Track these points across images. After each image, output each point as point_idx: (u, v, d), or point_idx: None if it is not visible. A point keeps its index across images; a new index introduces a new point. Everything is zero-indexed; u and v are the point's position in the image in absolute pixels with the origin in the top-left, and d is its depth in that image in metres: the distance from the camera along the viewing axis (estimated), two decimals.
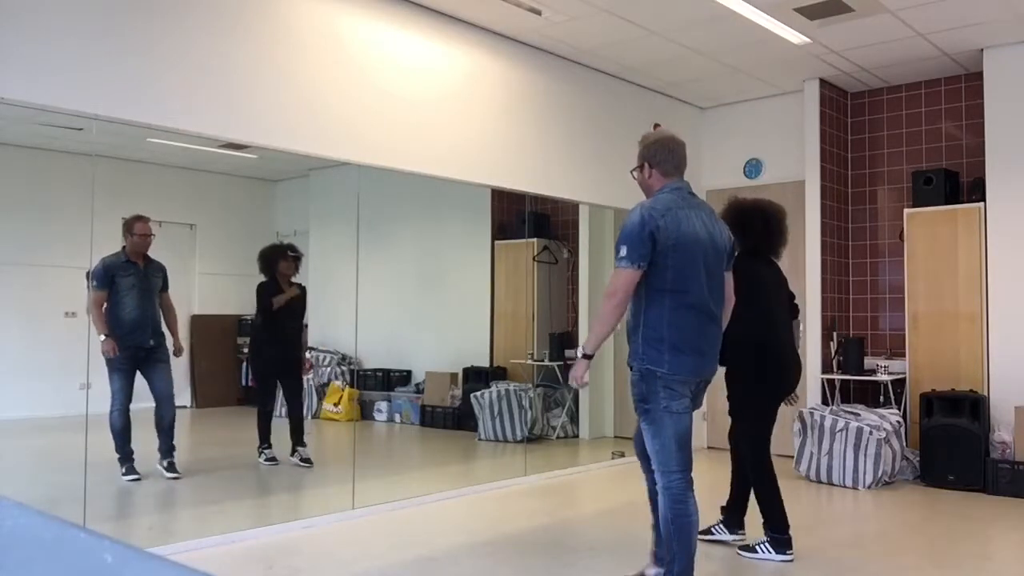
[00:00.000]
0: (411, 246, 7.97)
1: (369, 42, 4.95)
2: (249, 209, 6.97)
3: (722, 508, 4.28)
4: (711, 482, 4.88)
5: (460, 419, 7.39)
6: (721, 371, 3.85)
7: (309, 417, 7.29)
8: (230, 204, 6.80)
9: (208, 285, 6.61)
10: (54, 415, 5.12)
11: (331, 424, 7.34)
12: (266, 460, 5.75)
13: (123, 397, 5.05)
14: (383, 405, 7.73)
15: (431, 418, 7.55)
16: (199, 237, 6.53)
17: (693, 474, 3.18)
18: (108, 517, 4.54)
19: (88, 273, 5.04)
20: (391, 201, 7.05)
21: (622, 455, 6.71)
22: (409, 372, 7.84)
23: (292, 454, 5.81)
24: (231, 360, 6.70)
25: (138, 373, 5.17)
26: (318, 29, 4.69)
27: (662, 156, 3.26)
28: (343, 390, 7.40)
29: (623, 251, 3.02)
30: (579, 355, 3.14)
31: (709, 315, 3.15)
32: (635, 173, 3.35)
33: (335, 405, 7.40)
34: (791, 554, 3.92)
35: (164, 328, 5.36)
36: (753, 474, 4.02)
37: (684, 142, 3.36)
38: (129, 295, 5.18)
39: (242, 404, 6.88)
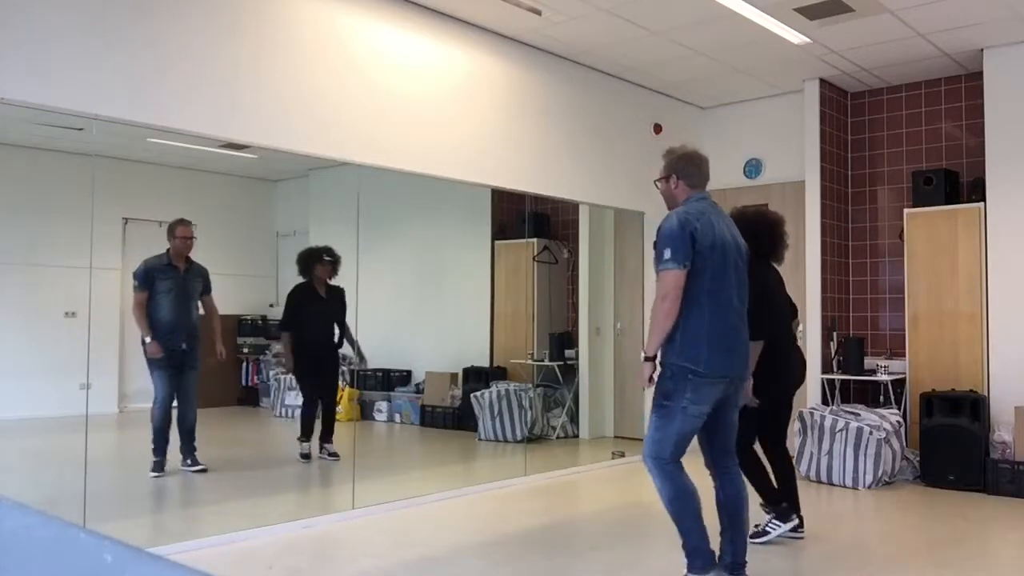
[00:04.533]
0: (411, 246, 7.96)
1: (369, 42, 4.95)
2: (249, 209, 6.97)
3: (762, 506, 4.33)
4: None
5: (460, 419, 7.39)
6: None
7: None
8: (230, 204, 6.80)
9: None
10: (54, 415, 5.12)
11: None
12: (301, 456, 5.97)
13: (165, 396, 5.20)
14: (383, 405, 7.73)
15: (431, 418, 7.54)
16: (199, 237, 6.53)
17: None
18: (108, 517, 4.53)
19: (133, 274, 5.25)
20: (391, 201, 7.05)
21: (622, 455, 6.71)
22: (409, 372, 7.84)
23: (320, 451, 6.04)
24: (231, 360, 6.70)
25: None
26: (318, 29, 4.69)
27: (690, 170, 3.45)
28: (343, 390, 7.40)
29: (667, 253, 3.20)
30: (642, 358, 3.33)
31: (738, 317, 3.37)
32: (659, 183, 3.55)
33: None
34: (799, 527, 4.25)
35: (199, 332, 5.50)
36: (742, 457, 4.10)
37: (707, 158, 3.56)
38: (166, 298, 5.29)
39: (242, 404, 6.88)
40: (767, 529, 4.20)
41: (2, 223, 5.66)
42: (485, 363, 7.58)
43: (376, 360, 7.71)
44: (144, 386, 5.30)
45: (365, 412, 7.71)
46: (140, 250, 5.83)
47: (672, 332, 3.25)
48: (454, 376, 7.59)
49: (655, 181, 3.60)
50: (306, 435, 5.98)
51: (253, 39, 4.38)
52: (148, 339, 5.19)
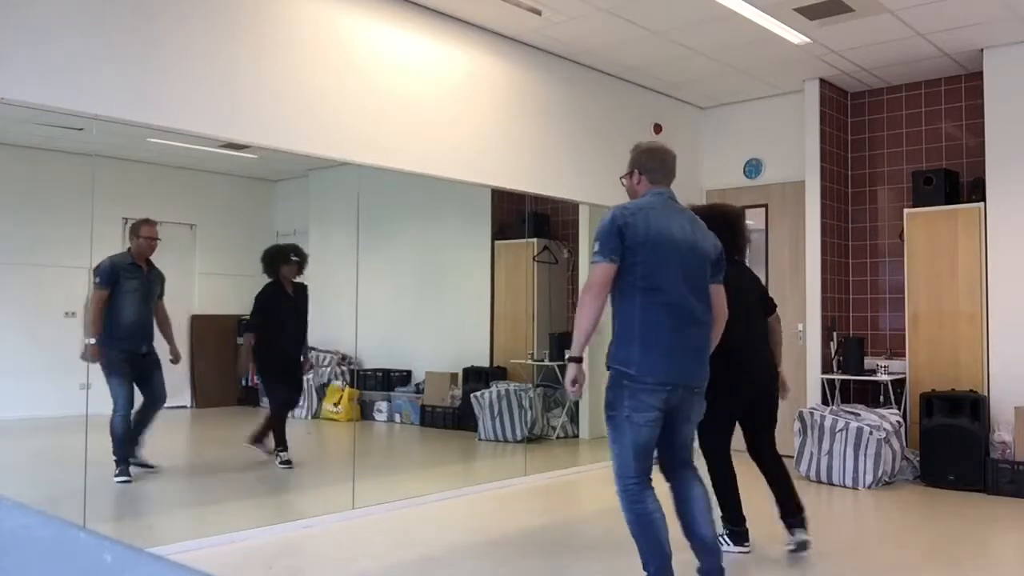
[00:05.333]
0: (411, 246, 7.96)
1: (369, 42, 4.95)
2: (249, 209, 6.97)
3: (721, 518, 4.10)
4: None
5: (460, 419, 7.39)
6: None
7: (308, 417, 7.29)
8: (230, 204, 6.80)
9: (208, 285, 6.61)
10: (54, 415, 5.12)
11: (331, 424, 7.34)
12: (281, 464, 5.70)
13: (124, 402, 4.96)
14: (383, 405, 7.73)
15: (431, 418, 7.54)
16: (199, 237, 6.53)
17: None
18: (108, 517, 4.54)
19: (94, 269, 4.94)
20: (391, 201, 7.05)
21: None
22: (409, 372, 7.84)
23: (256, 442, 5.79)
24: (231, 360, 6.69)
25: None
26: (318, 29, 4.69)
27: (653, 164, 3.31)
28: (343, 390, 7.40)
29: (596, 246, 3.09)
30: (567, 359, 3.13)
31: (690, 318, 3.10)
32: (624, 180, 3.42)
33: (335, 405, 7.40)
34: (748, 546, 4.05)
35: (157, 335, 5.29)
36: (713, 466, 4.04)
37: (675, 154, 3.40)
38: (131, 298, 5.10)
39: (242, 404, 6.87)
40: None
41: (2, 223, 5.66)
42: (485, 363, 7.58)
43: (376, 360, 7.70)
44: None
45: (365, 412, 7.71)
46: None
47: (611, 334, 3.13)
48: (454, 376, 7.59)
49: (620, 178, 3.44)
50: (280, 442, 5.71)
51: (253, 39, 4.38)
52: (93, 341, 4.92)
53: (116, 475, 4.96)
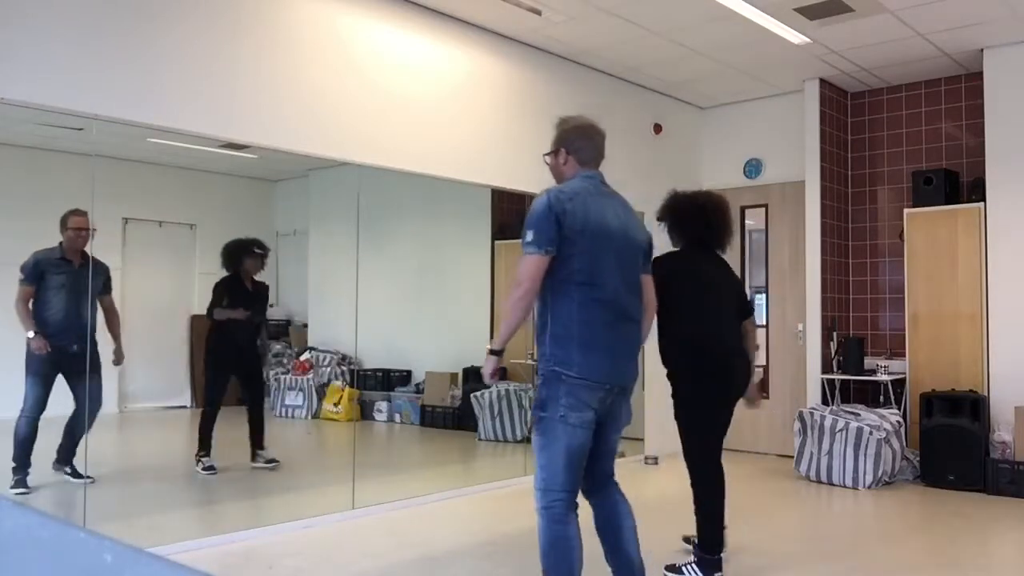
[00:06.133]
0: (411, 246, 7.96)
1: (369, 42, 4.95)
2: (249, 209, 6.97)
3: (689, 539, 3.89)
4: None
5: (460, 419, 7.39)
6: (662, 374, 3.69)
7: (308, 417, 7.29)
8: (230, 204, 6.79)
9: (208, 285, 6.58)
10: (54, 415, 5.11)
11: (331, 424, 7.33)
12: (204, 469, 5.38)
13: (34, 404, 4.57)
14: (383, 405, 7.73)
15: (431, 418, 7.54)
16: (199, 237, 6.52)
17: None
18: (108, 517, 4.53)
19: (20, 266, 4.67)
20: (391, 201, 7.05)
21: (622, 455, 6.70)
22: (409, 372, 7.83)
23: (253, 459, 5.58)
24: None
25: (61, 379, 4.70)
26: (318, 29, 4.69)
27: (581, 143, 3.00)
28: (343, 390, 7.39)
29: (529, 236, 2.76)
30: (487, 351, 2.86)
31: (624, 314, 2.89)
32: (548, 158, 3.09)
33: (335, 405, 7.40)
34: None
35: (98, 335, 4.87)
36: (695, 488, 3.69)
37: (604, 132, 3.09)
38: (57, 295, 4.73)
39: (242, 404, 6.87)
40: (682, 569, 3.66)
41: (2, 223, 5.66)
42: None
43: (376, 360, 7.70)
44: (146, 385, 5.24)
45: (365, 412, 7.71)
46: (140, 250, 5.84)
47: (540, 330, 2.85)
48: (454, 376, 7.59)
49: (544, 156, 3.10)
50: (204, 447, 5.34)
51: (253, 39, 4.38)
52: (32, 334, 4.57)
53: (12, 486, 4.44)
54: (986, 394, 5.77)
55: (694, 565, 3.64)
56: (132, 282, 5.55)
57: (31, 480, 4.50)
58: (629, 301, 2.91)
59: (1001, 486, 5.44)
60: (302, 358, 6.71)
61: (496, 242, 7.76)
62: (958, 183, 6.27)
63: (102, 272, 4.94)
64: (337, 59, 4.76)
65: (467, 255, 8.08)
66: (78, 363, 4.59)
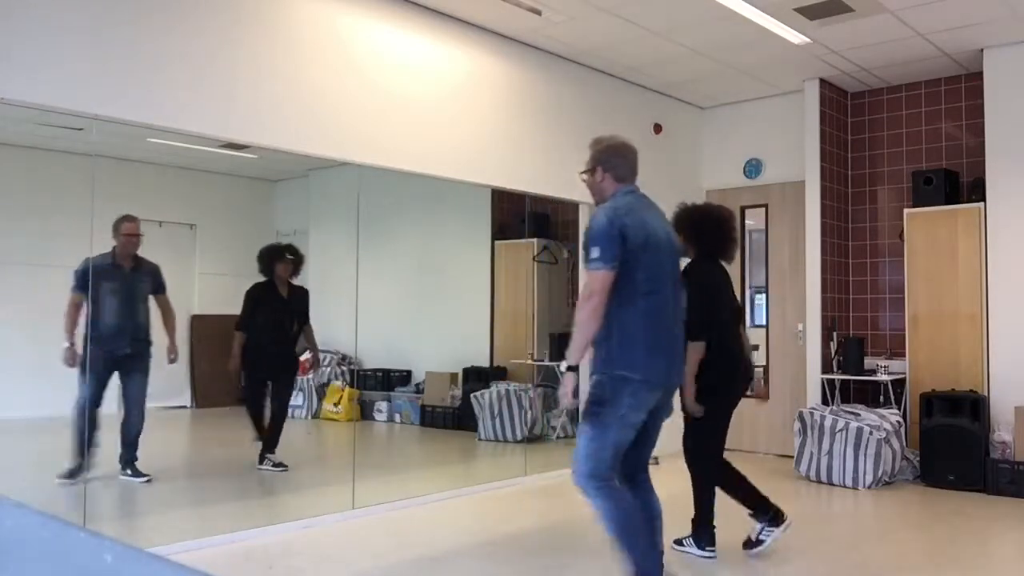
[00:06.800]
0: (411, 246, 7.96)
1: (369, 42, 4.95)
2: (249, 209, 6.97)
3: (751, 515, 4.11)
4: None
5: (460, 419, 7.39)
6: None
7: (308, 417, 7.29)
8: (230, 204, 6.80)
9: (208, 285, 6.60)
10: (54, 415, 5.12)
11: (331, 424, 7.34)
12: (273, 466, 5.60)
13: (88, 397, 4.78)
14: (383, 405, 7.73)
15: (431, 418, 7.54)
16: (199, 237, 6.53)
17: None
18: (108, 517, 4.54)
19: (73, 272, 4.86)
20: (391, 201, 7.05)
21: None
22: (409, 372, 7.84)
23: (261, 461, 5.63)
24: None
25: (116, 376, 4.95)
26: (318, 29, 4.69)
27: (616, 161, 3.27)
28: (343, 390, 7.40)
29: (595, 252, 2.98)
30: (563, 369, 3.03)
31: (673, 318, 3.16)
32: (584, 176, 3.33)
33: (335, 405, 7.40)
34: (712, 550, 3.97)
35: (152, 335, 5.15)
36: (705, 483, 3.97)
37: (636, 149, 3.36)
38: (109, 299, 4.97)
39: (242, 404, 6.87)
40: (761, 538, 3.99)
41: (2, 223, 5.66)
42: (485, 363, 7.58)
43: (376, 360, 7.70)
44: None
45: (365, 412, 7.71)
46: (140, 250, 5.83)
47: (604, 338, 3.03)
48: (454, 376, 7.59)
49: (580, 174, 3.35)
50: (268, 446, 5.58)
51: (253, 39, 4.38)
52: (67, 345, 4.78)
53: (62, 475, 4.57)
54: (986, 394, 5.77)
55: (768, 528, 3.98)
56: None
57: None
58: (677, 306, 3.20)
59: (1001, 486, 5.44)
60: (302, 358, 6.71)
61: (496, 242, 7.76)
62: (958, 183, 6.27)
63: (154, 272, 5.18)
64: (337, 59, 4.76)
65: (467, 255, 8.08)
66: (131, 364, 4.95)
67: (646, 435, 3.18)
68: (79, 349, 4.79)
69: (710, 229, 4.06)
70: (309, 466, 5.99)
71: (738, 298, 4.36)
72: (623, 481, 3.20)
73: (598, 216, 3.07)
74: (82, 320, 4.89)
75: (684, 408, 3.88)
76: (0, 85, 3.48)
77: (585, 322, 2.98)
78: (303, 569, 3.79)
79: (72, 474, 4.49)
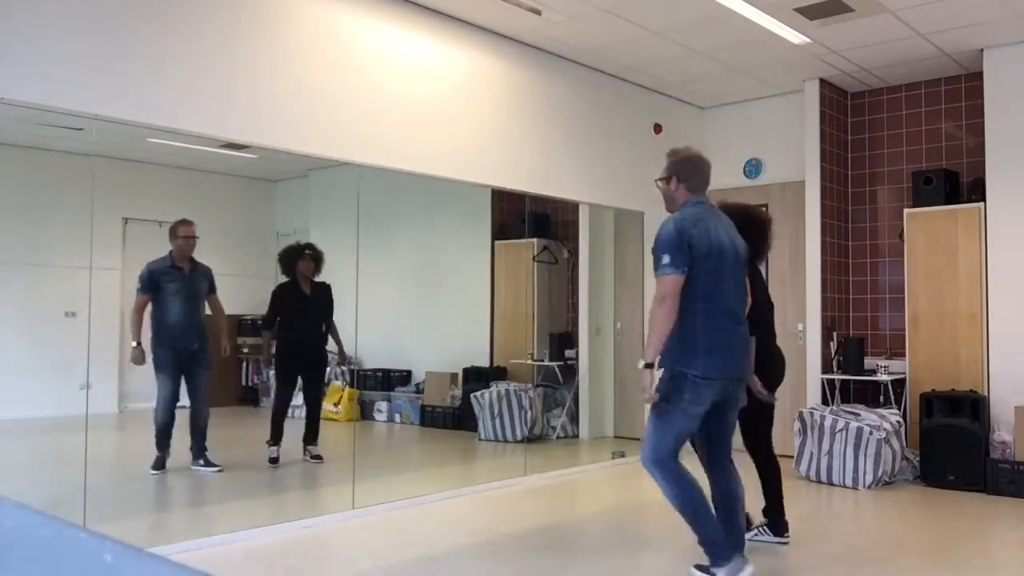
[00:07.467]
0: (411, 246, 7.96)
1: (369, 42, 4.95)
2: (249, 209, 6.97)
3: (764, 510, 4.32)
4: None
5: (460, 419, 7.39)
6: None
7: None
8: (230, 204, 6.79)
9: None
10: (54, 415, 5.12)
11: (331, 424, 7.33)
12: (269, 460, 5.77)
13: (167, 396, 5.22)
14: (383, 405, 7.73)
15: (431, 418, 7.54)
16: (199, 237, 6.52)
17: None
18: (108, 517, 4.53)
19: (139, 276, 5.27)
20: (391, 201, 7.05)
21: (622, 455, 6.71)
22: (409, 372, 7.84)
23: (304, 453, 5.90)
24: (232, 360, 6.69)
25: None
26: (318, 29, 4.69)
27: (691, 173, 3.49)
28: (343, 390, 7.40)
29: (666, 259, 3.25)
30: (641, 366, 3.29)
31: (736, 318, 3.43)
32: (660, 183, 3.57)
33: (335, 405, 7.40)
34: (787, 537, 4.22)
35: (208, 332, 5.52)
36: (773, 471, 4.28)
37: (710, 162, 3.60)
38: (174, 299, 5.30)
39: (243, 404, 6.88)
40: (754, 534, 4.18)
41: (2, 223, 5.66)
42: (485, 363, 7.58)
43: (376, 360, 7.70)
44: (144, 386, 5.29)
45: (365, 412, 7.71)
46: (140, 250, 5.83)
47: (668, 337, 3.29)
48: (454, 376, 7.59)
49: (656, 180, 3.62)
50: (275, 438, 5.76)
51: (253, 39, 4.38)
52: (135, 343, 5.18)
53: (152, 466, 5.24)
54: (986, 394, 5.77)
55: (766, 527, 4.23)
56: (132, 282, 5.55)
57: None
58: (739, 307, 3.47)
59: (1001, 486, 5.44)
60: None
61: (496, 242, 7.76)
62: (958, 183, 6.27)
63: (208, 273, 5.54)
64: (337, 59, 4.76)
65: (467, 255, 8.08)
66: (196, 360, 5.34)
67: (720, 423, 3.48)
68: (146, 348, 5.18)
69: (749, 232, 4.12)
70: (309, 466, 5.99)
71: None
72: (709, 471, 3.56)
73: (667, 226, 3.33)
74: (147, 321, 5.27)
75: (756, 397, 4.06)
76: (0, 85, 3.48)
77: (660, 323, 3.24)
78: (303, 569, 3.79)
79: (159, 463, 5.21)
